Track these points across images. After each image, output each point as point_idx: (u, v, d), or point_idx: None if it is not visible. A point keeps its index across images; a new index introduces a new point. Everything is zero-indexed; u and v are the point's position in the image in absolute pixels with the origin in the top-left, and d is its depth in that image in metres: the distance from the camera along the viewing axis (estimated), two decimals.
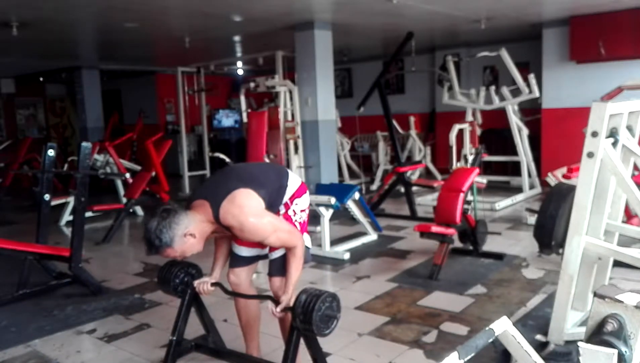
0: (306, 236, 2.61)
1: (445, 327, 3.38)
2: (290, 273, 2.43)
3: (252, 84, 7.19)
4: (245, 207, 2.28)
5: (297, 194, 2.60)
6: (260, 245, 2.61)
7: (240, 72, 12.61)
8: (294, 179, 2.61)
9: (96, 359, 3.17)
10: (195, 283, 2.67)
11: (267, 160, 6.14)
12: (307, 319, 2.17)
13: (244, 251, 2.66)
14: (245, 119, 7.38)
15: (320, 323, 2.19)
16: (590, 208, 2.80)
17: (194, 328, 2.92)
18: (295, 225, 2.55)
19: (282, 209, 2.57)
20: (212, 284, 2.66)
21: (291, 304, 2.30)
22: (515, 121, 7.89)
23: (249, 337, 2.78)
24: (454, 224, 4.49)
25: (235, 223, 2.29)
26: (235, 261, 2.69)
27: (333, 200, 4.98)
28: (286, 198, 2.55)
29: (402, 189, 6.96)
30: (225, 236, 2.60)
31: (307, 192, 2.67)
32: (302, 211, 2.60)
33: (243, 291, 2.68)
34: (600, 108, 2.66)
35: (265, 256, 2.67)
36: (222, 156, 7.20)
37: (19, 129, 13.71)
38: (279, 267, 2.55)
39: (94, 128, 11.44)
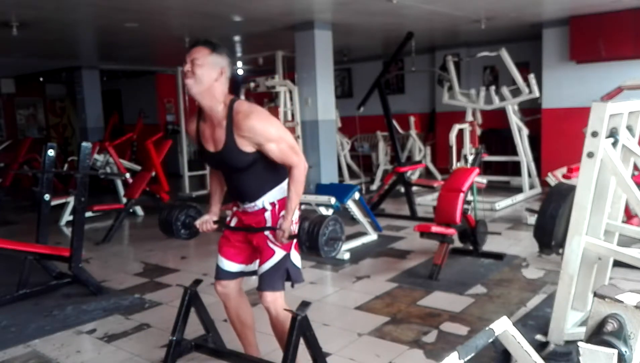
0: (296, 255, 2.49)
1: (445, 327, 3.38)
2: (290, 197, 2.34)
3: (252, 84, 7.20)
4: (260, 109, 2.35)
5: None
6: (246, 259, 2.55)
7: (240, 72, 12.61)
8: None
9: (96, 359, 3.17)
10: (197, 223, 2.61)
11: None
12: (314, 245, 2.23)
13: (228, 266, 2.56)
14: None
15: (326, 247, 2.24)
16: (590, 208, 2.80)
17: (194, 328, 2.92)
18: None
19: (269, 207, 2.44)
20: (214, 222, 2.62)
21: (294, 232, 2.31)
22: (515, 121, 7.89)
23: (246, 342, 2.76)
24: (454, 224, 4.49)
25: (246, 108, 2.28)
26: (220, 273, 2.59)
27: (333, 200, 4.98)
28: (278, 195, 2.45)
29: (402, 189, 6.96)
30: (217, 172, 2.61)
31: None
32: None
33: (233, 301, 2.63)
34: (600, 108, 2.66)
35: (250, 273, 2.58)
36: None
37: (19, 129, 13.72)
38: (269, 281, 2.43)
39: (94, 128, 11.44)
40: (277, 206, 2.44)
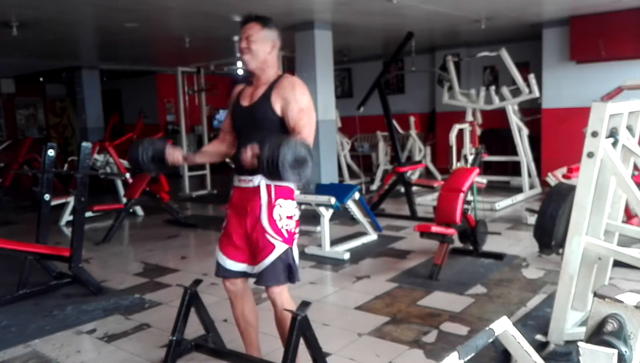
0: (296, 251, 2.49)
1: (445, 327, 3.38)
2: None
3: None
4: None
5: (283, 194, 2.47)
6: (248, 258, 2.53)
7: (240, 72, 12.61)
8: None
9: (96, 359, 3.17)
10: (168, 148, 2.61)
11: None
12: (275, 167, 2.04)
13: (230, 265, 2.56)
14: None
15: (290, 170, 2.07)
16: (590, 208, 2.80)
17: (194, 328, 2.92)
18: (281, 232, 2.43)
19: (264, 189, 2.44)
20: (183, 158, 2.63)
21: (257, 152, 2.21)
22: (515, 121, 7.89)
23: (247, 342, 2.76)
24: (454, 224, 4.49)
25: (294, 77, 2.51)
26: (224, 271, 2.59)
27: (333, 200, 4.98)
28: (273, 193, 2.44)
29: (402, 189, 6.96)
30: (225, 141, 2.68)
31: (294, 200, 2.54)
32: (288, 217, 2.46)
33: (240, 297, 2.64)
34: (600, 108, 2.66)
35: (253, 275, 2.54)
36: None
37: (19, 129, 13.71)
38: (273, 275, 2.42)
39: (94, 128, 11.44)
40: (272, 193, 2.44)
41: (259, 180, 2.44)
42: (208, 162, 2.77)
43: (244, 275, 2.60)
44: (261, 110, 2.44)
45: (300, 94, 2.43)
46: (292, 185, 2.51)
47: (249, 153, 2.25)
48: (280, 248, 2.43)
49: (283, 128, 2.43)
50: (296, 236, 2.53)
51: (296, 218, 2.52)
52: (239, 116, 2.56)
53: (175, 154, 2.62)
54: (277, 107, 2.43)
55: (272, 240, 2.43)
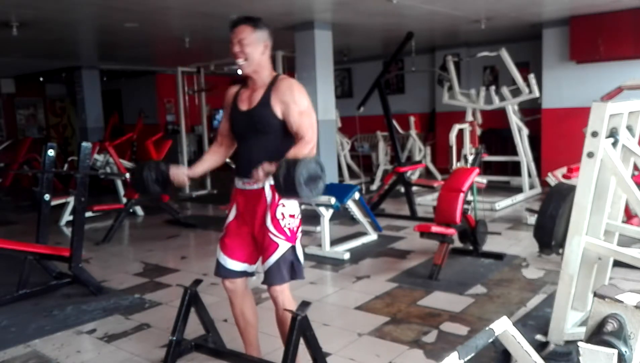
0: (300, 249, 2.53)
1: (445, 327, 3.38)
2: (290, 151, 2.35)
3: None
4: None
5: None
6: (249, 258, 2.55)
7: (240, 72, 12.60)
8: None
9: (96, 359, 3.17)
10: (172, 171, 2.59)
11: None
12: (291, 184, 2.11)
13: (231, 264, 2.57)
14: None
15: (305, 187, 2.13)
16: (590, 208, 2.80)
17: (194, 328, 2.92)
18: (284, 231, 2.45)
19: (269, 190, 2.45)
20: (188, 176, 2.62)
21: (272, 170, 2.25)
22: (515, 121, 7.89)
23: (247, 341, 2.76)
24: (454, 224, 4.49)
25: (290, 78, 2.48)
26: (224, 271, 2.59)
27: (333, 200, 4.98)
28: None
29: (402, 189, 6.96)
30: (223, 144, 2.67)
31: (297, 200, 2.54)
32: (290, 216, 2.48)
33: (240, 297, 2.65)
34: (600, 108, 2.66)
35: (252, 274, 2.61)
36: None
37: (19, 129, 13.71)
38: (277, 274, 2.45)
39: (94, 128, 11.44)
40: (276, 194, 2.43)
41: (264, 182, 2.44)
42: (210, 169, 2.78)
43: (244, 274, 2.61)
44: (261, 115, 2.43)
45: (299, 96, 2.43)
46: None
47: (260, 173, 2.30)
48: (283, 246, 2.45)
49: (284, 131, 2.43)
50: (299, 234, 2.53)
51: (299, 216, 2.53)
52: (238, 121, 2.55)
53: (179, 175, 2.60)
54: (278, 111, 2.42)
55: (275, 239, 2.44)
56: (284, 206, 2.46)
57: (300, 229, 2.55)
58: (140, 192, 2.76)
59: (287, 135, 2.44)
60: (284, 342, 2.51)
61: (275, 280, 2.46)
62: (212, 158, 2.74)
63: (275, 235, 2.44)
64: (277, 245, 2.44)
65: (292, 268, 2.47)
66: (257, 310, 2.76)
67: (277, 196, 2.44)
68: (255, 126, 2.46)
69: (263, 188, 2.46)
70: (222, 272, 2.60)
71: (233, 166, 2.62)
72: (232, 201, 2.62)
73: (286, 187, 2.14)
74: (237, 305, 2.68)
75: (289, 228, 2.47)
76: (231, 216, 2.61)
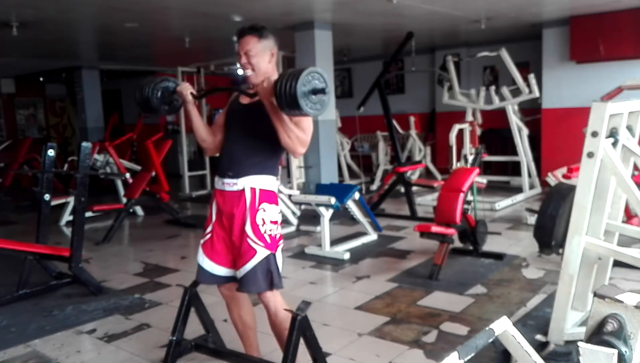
0: (280, 258, 2.43)
1: (445, 327, 3.38)
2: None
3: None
4: None
5: (268, 198, 2.42)
6: (232, 262, 2.48)
7: (240, 72, 12.58)
8: (273, 182, 2.47)
9: (96, 359, 3.17)
10: (179, 88, 2.56)
11: None
12: (292, 96, 2.04)
13: (217, 270, 2.50)
14: None
15: (307, 99, 2.08)
16: (590, 208, 2.80)
17: (194, 328, 2.92)
18: (264, 238, 2.36)
19: (248, 192, 2.38)
20: (192, 95, 2.57)
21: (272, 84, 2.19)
22: (515, 121, 7.89)
23: (246, 343, 2.75)
24: (454, 224, 4.49)
25: None
26: (210, 277, 2.54)
27: (333, 200, 4.98)
28: (261, 185, 2.41)
29: (402, 189, 6.96)
30: (214, 135, 2.59)
31: (279, 206, 2.51)
32: (272, 222, 2.40)
33: (236, 302, 2.63)
34: (600, 108, 2.66)
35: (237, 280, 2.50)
36: None
37: (19, 129, 13.70)
38: (253, 281, 2.35)
39: (94, 128, 11.44)
40: (257, 196, 2.39)
41: (244, 183, 2.39)
42: (201, 130, 2.69)
43: (232, 279, 2.52)
44: (260, 111, 2.36)
45: None
46: (275, 188, 2.48)
47: (264, 84, 2.26)
48: (261, 253, 2.36)
49: (274, 140, 2.35)
50: (281, 242, 2.46)
51: (278, 219, 2.45)
52: (235, 113, 2.52)
53: (186, 88, 2.56)
54: None
55: (253, 245, 2.36)
56: (264, 211, 2.39)
57: (280, 235, 2.46)
58: (145, 110, 2.67)
59: (276, 145, 2.36)
60: (280, 345, 2.50)
61: (251, 287, 2.38)
62: (207, 129, 2.63)
63: (253, 241, 2.36)
64: (255, 252, 2.36)
65: (269, 277, 2.37)
66: (254, 313, 2.75)
67: (257, 201, 2.38)
68: (249, 120, 2.43)
69: (243, 190, 2.39)
70: (206, 278, 2.53)
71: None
72: (212, 202, 2.55)
73: (286, 100, 2.07)
74: (234, 310, 2.66)
75: (270, 235, 2.39)
76: (213, 218, 2.53)
